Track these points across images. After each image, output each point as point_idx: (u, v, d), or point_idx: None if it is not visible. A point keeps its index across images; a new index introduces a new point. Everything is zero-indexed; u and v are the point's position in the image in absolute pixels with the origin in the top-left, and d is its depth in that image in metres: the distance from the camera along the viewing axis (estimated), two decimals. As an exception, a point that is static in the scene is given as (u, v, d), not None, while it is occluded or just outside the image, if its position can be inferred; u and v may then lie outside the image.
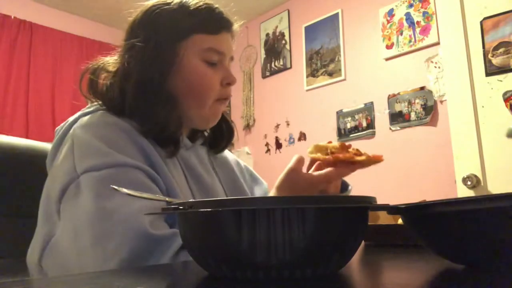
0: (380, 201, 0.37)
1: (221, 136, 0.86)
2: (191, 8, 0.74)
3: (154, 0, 0.76)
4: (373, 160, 0.73)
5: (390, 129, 2.49)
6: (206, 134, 0.88)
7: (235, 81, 0.79)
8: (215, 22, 0.76)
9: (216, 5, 0.77)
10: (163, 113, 0.71)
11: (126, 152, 0.64)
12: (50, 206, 0.65)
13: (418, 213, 0.39)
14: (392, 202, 0.43)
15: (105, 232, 0.56)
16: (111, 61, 0.77)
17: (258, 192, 0.92)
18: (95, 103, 0.75)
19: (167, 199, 0.42)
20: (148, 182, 0.62)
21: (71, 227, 0.60)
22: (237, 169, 0.91)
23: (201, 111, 0.76)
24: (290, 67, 3.18)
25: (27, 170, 0.86)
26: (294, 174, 0.72)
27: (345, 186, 0.83)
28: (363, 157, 0.72)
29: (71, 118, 0.72)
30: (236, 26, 0.80)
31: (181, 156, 0.76)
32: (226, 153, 0.92)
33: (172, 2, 0.75)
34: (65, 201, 0.63)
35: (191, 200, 0.36)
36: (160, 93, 0.72)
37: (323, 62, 2.93)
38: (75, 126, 0.68)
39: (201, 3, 0.75)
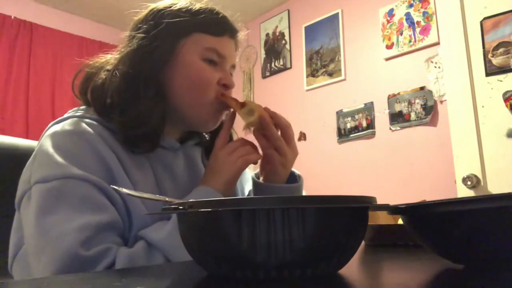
0: (380, 201, 0.37)
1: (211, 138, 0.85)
2: (195, 9, 0.76)
3: (161, 2, 0.78)
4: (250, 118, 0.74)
5: (390, 129, 2.49)
6: (206, 136, 0.87)
7: (233, 84, 0.78)
8: (218, 24, 0.76)
9: (222, 11, 0.78)
10: (149, 104, 0.70)
11: (81, 162, 0.63)
12: (18, 215, 0.67)
13: (418, 213, 0.39)
14: (392, 202, 0.43)
15: (40, 247, 0.57)
16: (111, 59, 0.77)
17: (247, 189, 0.91)
18: (75, 108, 0.75)
19: (166, 199, 0.42)
20: (95, 194, 0.61)
21: (26, 236, 0.62)
22: None
23: (200, 110, 0.75)
24: (290, 67, 3.17)
25: (27, 170, 0.85)
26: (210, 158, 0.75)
27: (293, 179, 0.82)
28: (242, 111, 0.74)
29: (49, 125, 0.71)
30: (241, 35, 0.81)
31: (161, 159, 0.75)
32: None
33: (177, 3, 0.76)
34: (22, 211, 0.65)
35: (191, 200, 0.36)
36: (151, 85, 0.72)
37: (323, 62, 2.93)
38: (45, 134, 0.68)
39: (205, 6, 0.77)
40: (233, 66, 0.81)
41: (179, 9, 0.75)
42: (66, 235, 0.56)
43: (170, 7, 0.75)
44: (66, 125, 0.68)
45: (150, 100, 0.71)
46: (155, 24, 0.74)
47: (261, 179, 0.81)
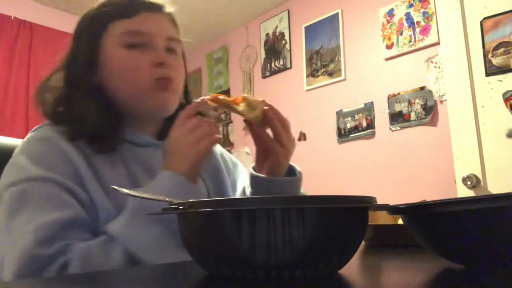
0: (380, 201, 0.37)
1: None
2: (105, 2, 0.76)
3: None
4: (252, 115, 0.71)
5: (390, 129, 2.49)
6: None
7: (167, 60, 0.74)
8: (128, 5, 0.75)
9: None
10: (82, 103, 0.72)
11: (47, 163, 0.65)
12: None
13: (418, 213, 0.39)
14: (392, 202, 0.43)
15: (5, 249, 0.59)
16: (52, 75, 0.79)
17: (240, 185, 0.89)
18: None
19: (167, 199, 0.42)
20: (58, 192, 0.63)
21: None
22: (222, 161, 0.89)
23: (139, 99, 0.74)
24: (290, 67, 3.17)
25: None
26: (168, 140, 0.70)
27: (292, 172, 0.80)
28: (241, 108, 0.71)
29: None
30: (167, 7, 0.78)
31: (138, 157, 0.74)
32: None
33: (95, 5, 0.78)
34: None
35: (191, 200, 0.36)
36: (82, 86, 0.73)
37: (323, 62, 2.93)
38: (20, 144, 0.72)
39: None
40: (170, 39, 0.77)
41: (94, 8, 0.76)
42: (25, 235, 0.58)
43: (88, 11, 0.77)
44: (37, 132, 0.72)
45: (84, 100, 0.72)
46: (78, 31, 0.77)
47: (262, 172, 0.79)
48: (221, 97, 0.72)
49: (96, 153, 0.70)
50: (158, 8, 0.77)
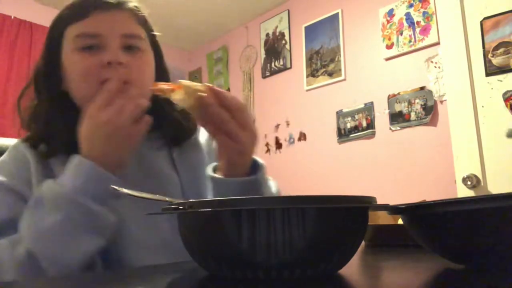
0: (380, 201, 0.37)
1: (177, 129, 0.78)
2: (63, 7, 0.74)
3: None
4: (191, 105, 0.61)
5: (390, 129, 2.49)
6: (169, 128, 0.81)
7: (116, 58, 0.67)
8: (81, 7, 0.71)
9: None
10: (37, 112, 0.74)
11: (7, 172, 0.69)
12: None
13: (418, 213, 0.39)
14: (392, 202, 0.43)
15: None
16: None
17: None
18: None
19: (167, 199, 0.42)
20: (5, 197, 0.66)
21: None
22: (209, 154, 0.83)
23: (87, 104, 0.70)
24: (290, 67, 3.17)
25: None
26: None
27: (254, 170, 0.68)
28: (177, 96, 0.60)
29: None
30: (128, 3, 0.74)
31: None
32: (201, 138, 0.86)
33: None
34: None
35: (191, 200, 0.36)
36: (46, 95, 0.75)
37: (323, 62, 2.93)
38: None
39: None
40: (128, 36, 0.71)
41: (58, 14, 0.75)
42: None
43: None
44: (15, 142, 0.77)
45: (40, 107, 0.74)
46: (45, 43, 0.76)
47: (219, 172, 0.68)
48: (161, 85, 0.64)
49: (53, 156, 0.70)
50: (113, 6, 0.72)
